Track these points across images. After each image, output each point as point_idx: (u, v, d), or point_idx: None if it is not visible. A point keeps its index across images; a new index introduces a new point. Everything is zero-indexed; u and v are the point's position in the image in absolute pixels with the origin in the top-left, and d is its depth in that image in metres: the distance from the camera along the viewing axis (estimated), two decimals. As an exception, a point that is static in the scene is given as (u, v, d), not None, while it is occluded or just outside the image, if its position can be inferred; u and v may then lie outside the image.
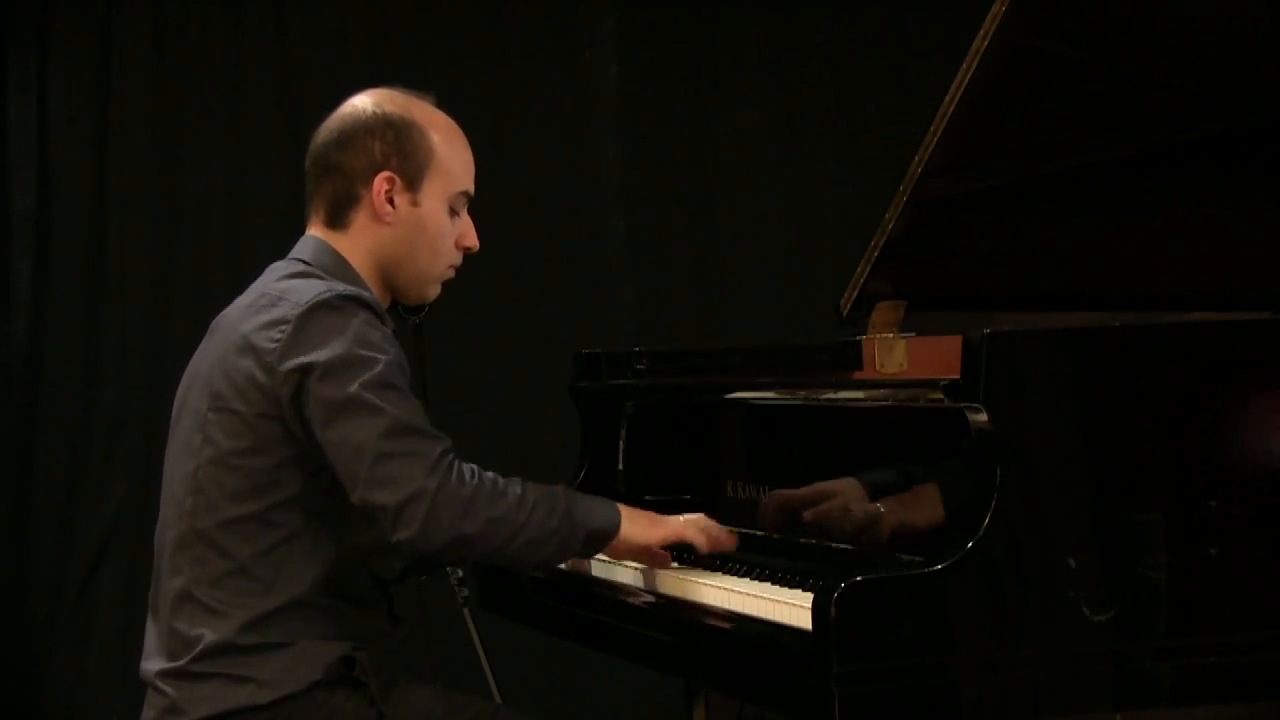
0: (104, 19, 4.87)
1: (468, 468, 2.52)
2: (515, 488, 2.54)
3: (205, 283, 4.81)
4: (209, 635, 2.53)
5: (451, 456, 2.51)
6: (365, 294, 2.58)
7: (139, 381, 4.83)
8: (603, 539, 2.63)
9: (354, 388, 2.47)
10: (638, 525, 2.66)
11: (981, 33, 2.48)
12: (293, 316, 2.52)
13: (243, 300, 2.64)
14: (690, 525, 2.71)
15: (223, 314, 2.68)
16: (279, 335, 2.52)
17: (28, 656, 4.80)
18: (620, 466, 3.24)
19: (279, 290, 2.58)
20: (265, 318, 2.55)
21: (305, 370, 2.49)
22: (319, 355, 2.49)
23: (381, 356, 2.51)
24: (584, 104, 5.00)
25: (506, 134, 4.89)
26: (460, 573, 3.51)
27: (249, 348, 2.54)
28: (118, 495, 4.81)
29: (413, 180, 2.67)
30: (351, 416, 2.47)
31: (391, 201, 2.66)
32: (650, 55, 5.02)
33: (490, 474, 2.54)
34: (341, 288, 2.56)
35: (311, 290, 2.55)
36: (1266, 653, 2.35)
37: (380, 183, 2.66)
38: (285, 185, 4.81)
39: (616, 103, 4.99)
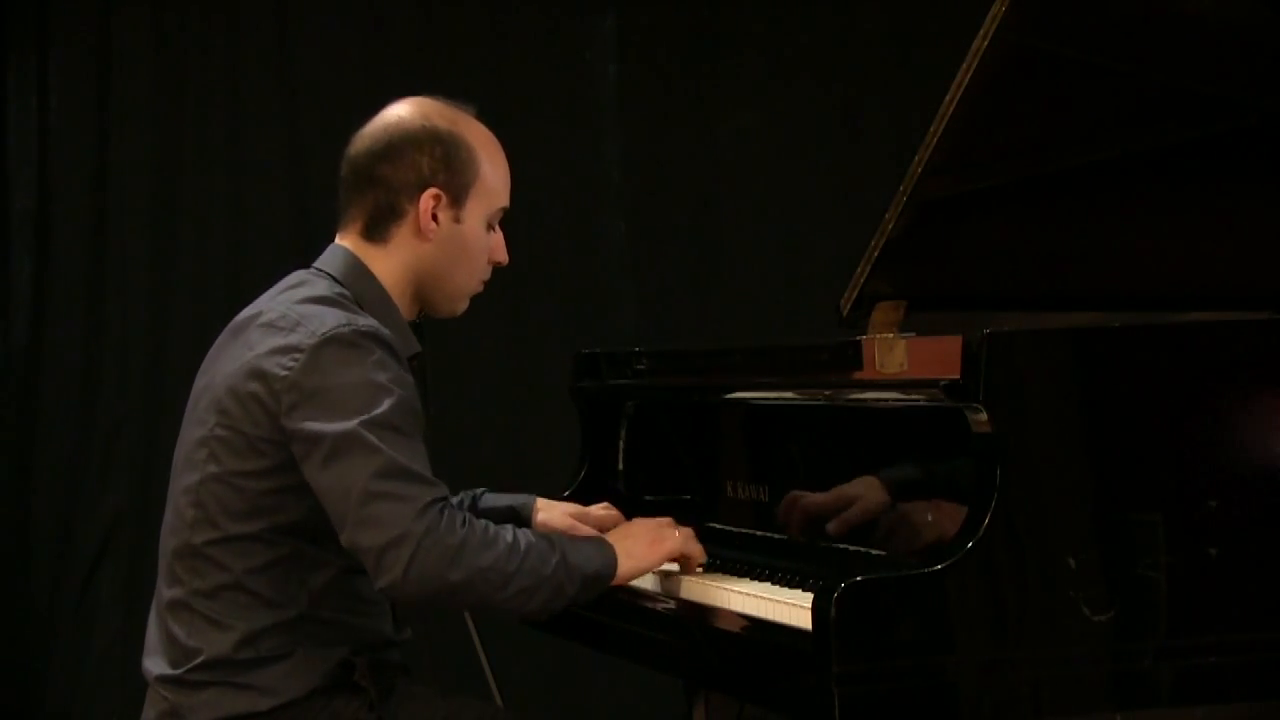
0: (104, 19, 4.86)
1: (460, 516, 2.46)
2: (507, 535, 2.48)
3: (205, 283, 4.79)
4: (207, 649, 2.51)
5: (444, 504, 2.46)
6: (383, 331, 2.53)
7: (139, 382, 4.82)
8: (602, 582, 2.57)
9: (353, 425, 2.43)
10: (634, 560, 2.60)
11: (981, 33, 2.48)
12: (306, 346, 2.48)
13: (267, 314, 2.57)
14: (687, 540, 2.67)
15: (244, 316, 2.62)
16: (291, 363, 2.48)
17: (28, 656, 4.80)
18: (620, 466, 3.24)
19: (299, 314, 2.53)
20: (280, 342, 2.50)
21: (307, 404, 2.45)
22: (324, 391, 2.45)
23: (387, 398, 2.46)
24: (584, 104, 5.00)
25: (506, 134, 4.84)
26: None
27: (259, 372, 2.50)
28: (118, 495, 4.80)
29: (457, 197, 2.64)
30: (347, 455, 2.42)
31: (435, 218, 2.63)
32: (650, 55, 5.01)
33: (482, 522, 2.49)
34: (362, 322, 2.52)
35: (331, 321, 2.50)
36: (1266, 653, 2.35)
37: (428, 199, 2.62)
38: (286, 185, 4.81)
39: (616, 103, 4.99)
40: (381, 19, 4.94)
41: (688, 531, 2.70)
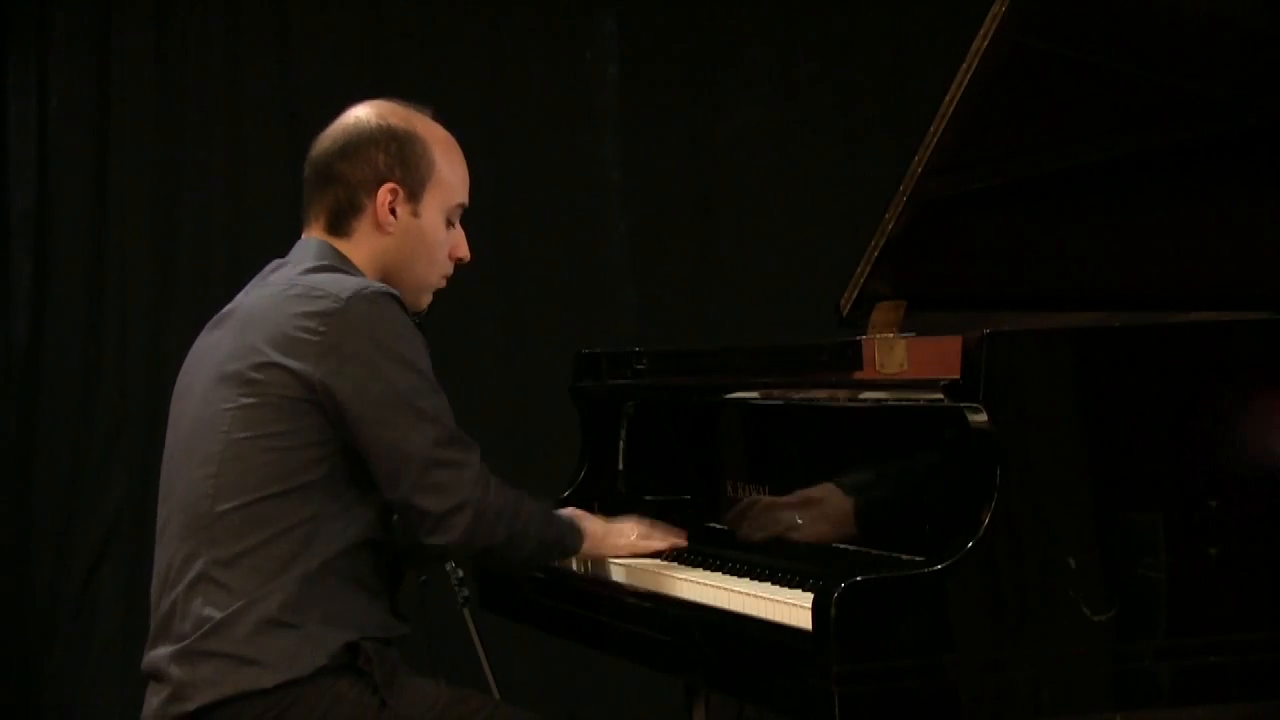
0: (104, 19, 4.87)
1: (496, 479, 2.63)
2: (525, 499, 2.68)
3: (205, 283, 4.80)
4: (217, 614, 2.54)
5: (485, 467, 2.61)
6: (396, 292, 2.63)
7: (139, 381, 4.82)
8: (569, 554, 2.83)
9: (402, 389, 2.55)
10: (593, 542, 2.82)
11: (981, 33, 2.48)
12: (334, 310, 2.56)
13: (264, 291, 2.66)
14: (645, 539, 2.85)
15: (234, 306, 2.70)
16: (323, 328, 2.55)
17: (28, 656, 4.80)
18: (620, 466, 3.24)
19: (311, 283, 2.61)
20: (302, 308, 2.57)
21: (349, 365, 2.53)
22: (363, 352, 2.54)
23: (421, 360, 2.59)
24: (584, 104, 5.00)
25: (506, 134, 4.89)
26: (460, 573, 3.51)
27: (284, 337, 2.56)
28: (118, 495, 4.80)
29: (414, 192, 2.72)
30: (401, 419, 2.55)
31: (394, 212, 2.71)
32: (650, 55, 5.02)
33: (503, 484, 2.65)
34: (377, 284, 2.62)
35: (350, 284, 2.59)
36: (1266, 653, 2.35)
37: (385, 193, 2.70)
38: (285, 185, 4.81)
39: (616, 103, 4.99)
40: (381, 19, 4.94)
41: (645, 533, 2.87)
